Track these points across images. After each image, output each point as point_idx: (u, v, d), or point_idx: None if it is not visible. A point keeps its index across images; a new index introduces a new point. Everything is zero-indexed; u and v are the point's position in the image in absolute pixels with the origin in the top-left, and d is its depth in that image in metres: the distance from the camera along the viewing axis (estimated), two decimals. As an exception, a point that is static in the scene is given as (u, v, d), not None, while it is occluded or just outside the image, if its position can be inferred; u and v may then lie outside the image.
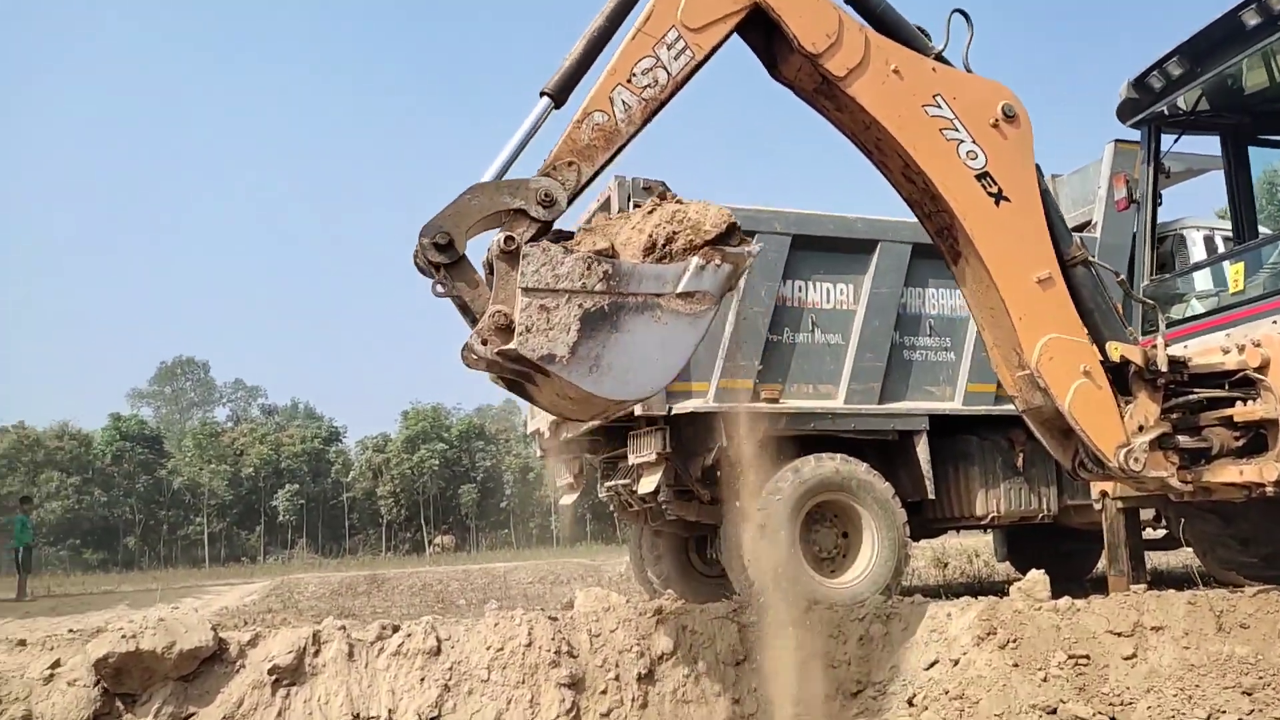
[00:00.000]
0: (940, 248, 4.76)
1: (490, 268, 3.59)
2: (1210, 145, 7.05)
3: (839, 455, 7.88)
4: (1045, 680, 4.66)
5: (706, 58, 3.96)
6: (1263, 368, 5.10)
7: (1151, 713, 4.47)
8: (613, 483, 9.09)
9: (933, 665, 5.03)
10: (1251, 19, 5.34)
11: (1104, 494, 6.58)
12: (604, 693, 5.15)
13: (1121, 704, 4.56)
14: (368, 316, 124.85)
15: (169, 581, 24.85)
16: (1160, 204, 6.62)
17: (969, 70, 4.53)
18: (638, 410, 7.42)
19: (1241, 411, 5.04)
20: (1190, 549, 7.58)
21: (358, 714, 4.86)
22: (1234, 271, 6.09)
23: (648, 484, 7.84)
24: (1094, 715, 4.52)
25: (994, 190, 4.46)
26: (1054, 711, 4.55)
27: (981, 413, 8.54)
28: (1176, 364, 4.95)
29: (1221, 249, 8.20)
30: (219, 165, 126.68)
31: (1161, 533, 8.67)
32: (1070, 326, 4.61)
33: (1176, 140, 6.59)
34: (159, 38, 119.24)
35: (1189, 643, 4.76)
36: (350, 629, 5.19)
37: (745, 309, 7.75)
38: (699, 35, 3.91)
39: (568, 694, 5.07)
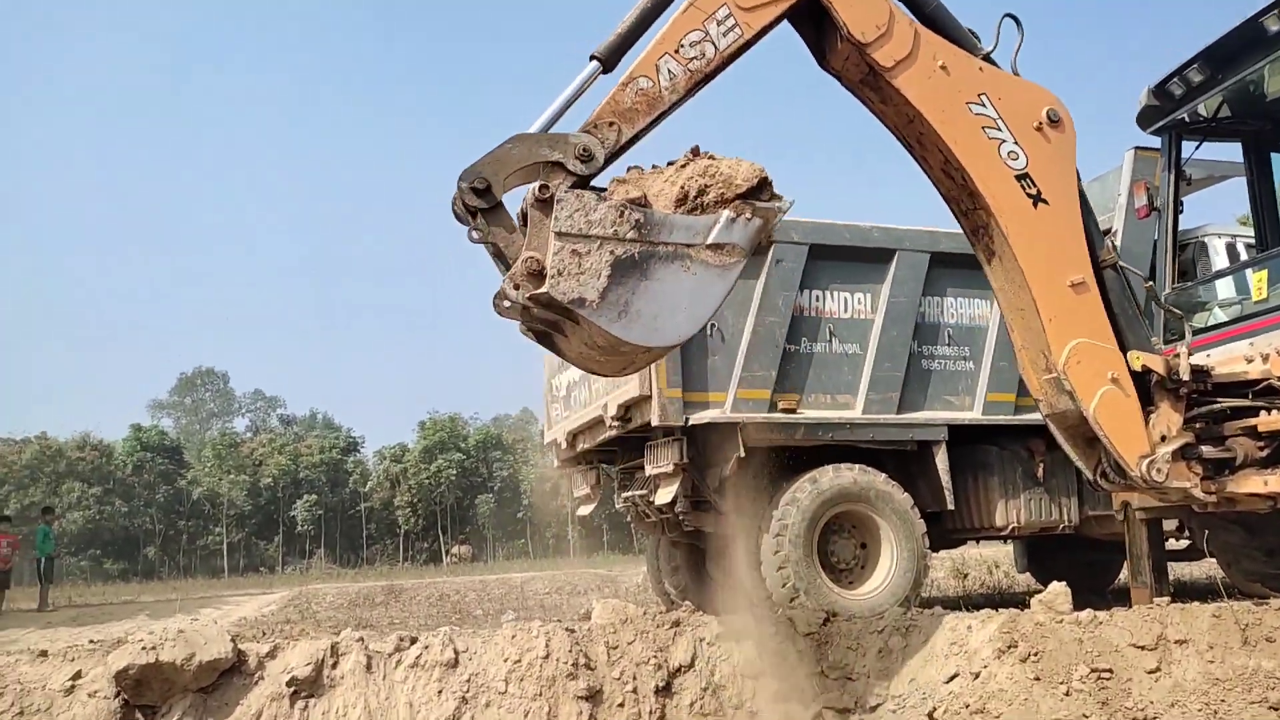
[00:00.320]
0: (975, 247, 4.79)
1: (525, 218, 3.65)
2: (1232, 152, 6.99)
3: (857, 466, 7.84)
4: (1068, 694, 4.61)
5: (754, 39, 4.02)
6: (1287, 377, 5.05)
7: (1176, 727, 4.41)
8: (630, 493, 9.07)
9: (953, 679, 4.97)
10: (1273, 25, 5.31)
11: (1126, 505, 6.51)
12: (621, 705, 5.13)
13: (1145, 719, 4.50)
14: (386, 327, 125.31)
15: (188, 591, 24.98)
16: (1181, 211, 6.57)
17: (1016, 74, 4.59)
18: (655, 421, 7.41)
19: (1266, 421, 4.98)
20: (1214, 559, 7.49)
21: (375, 726, 4.85)
22: (1257, 279, 6.02)
23: (665, 495, 7.82)
24: (1118, 730, 4.46)
25: (1033, 192, 4.49)
26: (1077, 726, 4.49)
27: (1001, 422, 8.48)
28: (1199, 373, 4.90)
29: (1244, 256, 8.11)
30: (238, 177, 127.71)
31: (1185, 544, 8.57)
32: (1101, 333, 4.61)
33: (1197, 147, 6.55)
34: (185, 48, 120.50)
35: (1214, 656, 4.69)
36: (368, 641, 5.20)
37: (762, 319, 7.74)
38: (749, 15, 3.98)
39: (585, 707, 5.05)
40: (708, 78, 3.94)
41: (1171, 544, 8.22)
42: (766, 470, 7.98)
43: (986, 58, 4.54)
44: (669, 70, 3.84)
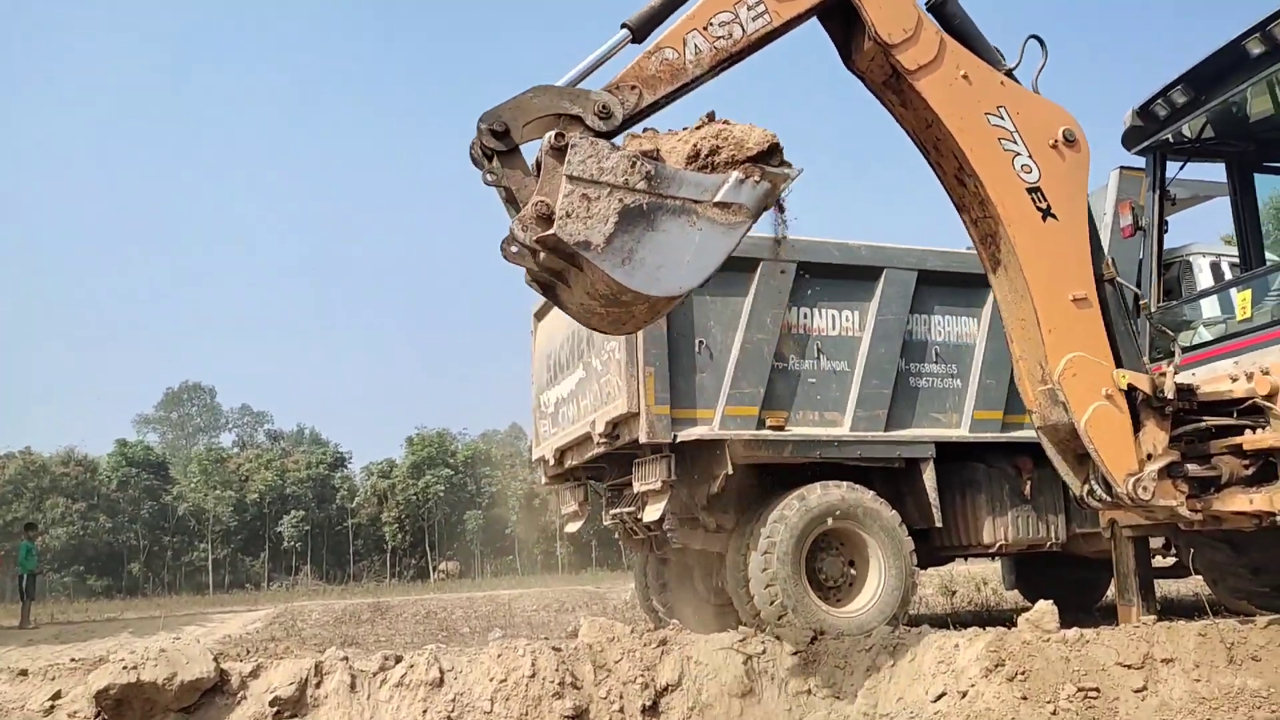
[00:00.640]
0: (982, 255, 4.88)
1: (540, 167, 3.73)
2: (1216, 172, 7.05)
3: (845, 483, 7.83)
4: (1054, 713, 4.60)
5: (782, 29, 4.12)
6: (1271, 395, 5.08)
7: (1163, 747, 4.41)
8: (618, 510, 9.05)
9: (940, 698, 4.96)
10: (1256, 48, 5.36)
11: (1113, 522, 6.52)
12: (608, 725, 5.10)
13: (1133, 738, 4.50)
14: (374, 343, 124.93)
15: (173, 608, 24.78)
16: (1166, 231, 6.62)
17: (1037, 92, 4.72)
18: (643, 437, 7.40)
19: (1251, 440, 5.00)
20: (1200, 577, 7.51)
21: (359, 746, 4.81)
22: (1241, 299, 6.07)
23: (653, 512, 7.79)
24: (1105, 749, 4.46)
25: (1043, 206, 4.60)
26: (1064, 745, 4.48)
27: (989, 440, 8.50)
28: (1184, 391, 4.92)
29: (1228, 275, 8.17)
30: (235, 179, 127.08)
31: (1171, 561, 8.58)
32: (1098, 349, 4.69)
33: (1182, 167, 6.60)
34: (168, 47, 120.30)
35: (1200, 675, 4.70)
36: (353, 660, 5.16)
37: (751, 336, 7.74)
38: (780, 4, 4.10)
39: (571, 726, 5.01)
40: (732, 59, 4.04)
41: (1158, 561, 8.23)
42: (754, 487, 7.97)
43: (1009, 74, 4.67)
44: (695, 45, 3.95)
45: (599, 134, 3.77)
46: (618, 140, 3.86)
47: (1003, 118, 4.54)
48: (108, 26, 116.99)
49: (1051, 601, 5.49)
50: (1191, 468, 4.91)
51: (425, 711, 4.95)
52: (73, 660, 5.52)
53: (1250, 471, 5.00)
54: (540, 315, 10.06)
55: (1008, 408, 8.42)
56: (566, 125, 3.74)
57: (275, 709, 4.85)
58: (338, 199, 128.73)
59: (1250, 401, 5.12)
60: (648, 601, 10.15)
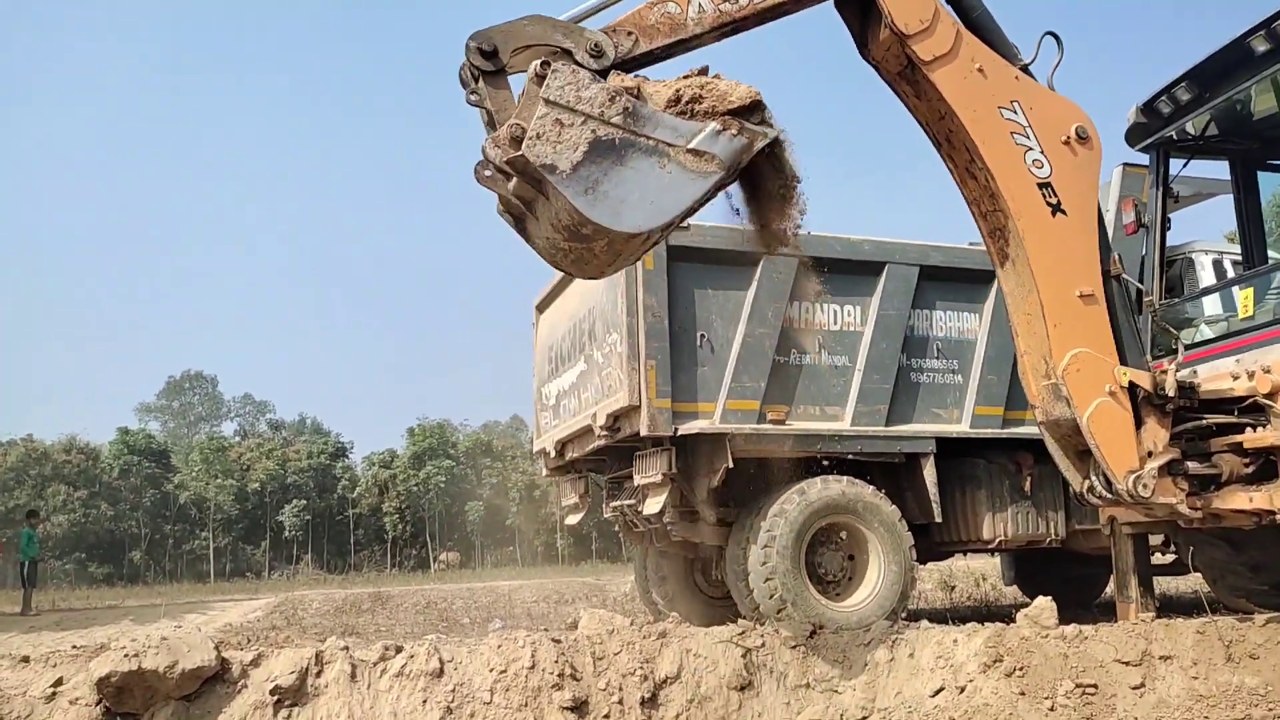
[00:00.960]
0: (990, 249, 4.90)
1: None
2: (1219, 169, 7.04)
3: (845, 477, 7.84)
4: (1052, 709, 4.62)
5: (791, 4, 4.11)
6: (1273, 394, 5.08)
7: (1160, 743, 4.42)
8: (618, 503, 9.06)
9: (938, 693, 4.98)
10: (1260, 45, 5.35)
11: (1113, 519, 6.53)
12: (607, 717, 5.12)
13: (1130, 734, 4.52)
14: (376, 333, 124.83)
15: (174, 596, 24.83)
16: (1169, 228, 6.61)
17: (1052, 88, 4.72)
18: (643, 430, 7.41)
19: (1251, 438, 5.01)
20: (1199, 574, 7.52)
21: (359, 736, 4.83)
22: (1243, 297, 6.06)
23: (653, 505, 7.80)
24: (1102, 745, 4.47)
25: (1053, 201, 4.62)
26: (1061, 741, 4.50)
27: (989, 435, 8.50)
28: (1185, 389, 4.93)
29: (1231, 273, 8.17)
30: (227, 179, 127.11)
31: (1170, 558, 8.60)
32: (1103, 346, 4.71)
33: (1185, 165, 6.59)
34: (168, 48, 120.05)
35: (1198, 673, 4.71)
36: (353, 649, 5.18)
37: (752, 330, 7.74)
38: None
39: (570, 718, 5.04)
40: (735, 25, 4.02)
41: (1157, 559, 8.25)
42: (754, 481, 7.98)
43: (1024, 69, 4.67)
44: (700, 3, 3.94)
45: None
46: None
47: (1016, 112, 4.55)
48: (108, 26, 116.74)
49: (1050, 598, 5.51)
50: (1192, 465, 4.92)
51: (425, 701, 4.97)
52: (74, 647, 5.54)
53: (1250, 469, 5.01)
54: (542, 307, 10.06)
55: (1009, 404, 8.43)
56: (557, 58, 3.73)
57: (276, 698, 4.87)
58: (338, 197, 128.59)
59: (1251, 400, 5.12)
60: (647, 594, 10.17)
